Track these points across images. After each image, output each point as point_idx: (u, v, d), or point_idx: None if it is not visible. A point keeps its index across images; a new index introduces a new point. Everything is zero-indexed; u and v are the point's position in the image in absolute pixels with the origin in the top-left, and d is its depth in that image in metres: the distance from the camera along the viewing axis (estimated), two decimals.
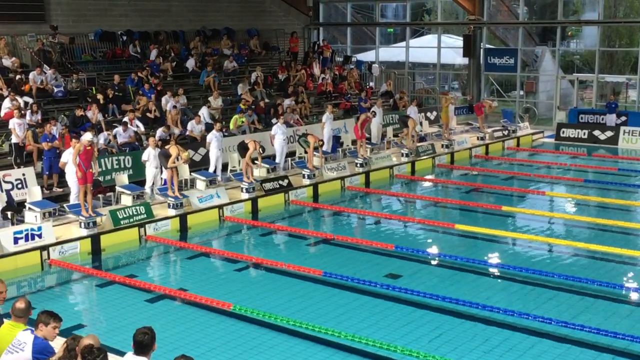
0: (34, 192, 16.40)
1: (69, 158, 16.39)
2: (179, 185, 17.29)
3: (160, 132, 20.34)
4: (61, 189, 17.64)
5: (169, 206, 16.78)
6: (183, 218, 16.69)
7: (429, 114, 29.85)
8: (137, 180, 18.35)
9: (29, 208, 15.67)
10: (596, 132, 27.81)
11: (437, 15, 35.49)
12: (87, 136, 15.56)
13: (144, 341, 6.28)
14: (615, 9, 34.28)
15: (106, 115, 21.45)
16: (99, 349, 6.16)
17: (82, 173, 15.26)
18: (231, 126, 22.56)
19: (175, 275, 14.55)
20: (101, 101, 21.44)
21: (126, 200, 17.16)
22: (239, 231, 17.37)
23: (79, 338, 6.62)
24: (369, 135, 23.31)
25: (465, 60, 33.23)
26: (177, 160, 17.17)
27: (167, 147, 17.53)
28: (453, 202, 19.29)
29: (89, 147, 15.42)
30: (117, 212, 15.73)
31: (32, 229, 14.35)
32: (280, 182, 19.20)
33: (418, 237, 16.65)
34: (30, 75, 21.45)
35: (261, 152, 18.86)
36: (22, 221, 15.53)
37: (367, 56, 36.27)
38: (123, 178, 18.11)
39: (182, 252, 15.42)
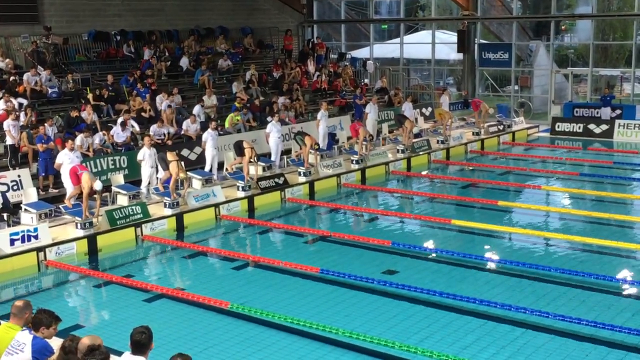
0: (30, 194, 16.37)
1: (63, 159, 16.40)
2: (175, 184, 17.21)
3: (154, 127, 20.32)
4: (57, 190, 17.62)
5: (165, 205, 16.77)
6: (179, 217, 16.68)
7: (424, 109, 29.87)
8: (133, 180, 18.34)
9: (25, 209, 15.65)
10: (591, 126, 27.86)
11: (431, 11, 35.49)
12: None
13: (141, 340, 6.28)
14: (608, 2, 34.34)
15: (101, 115, 21.43)
16: (100, 351, 6.15)
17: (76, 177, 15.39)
18: (226, 124, 22.56)
19: (172, 275, 14.54)
20: (91, 101, 21.38)
21: (122, 200, 17.15)
22: (235, 230, 17.37)
23: (77, 339, 6.60)
24: (372, 134, 23.28)
25: (460, 56, 33.23)
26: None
27: (167, 156, 17.37)
28: (449, 198, 19.33)
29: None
30: (114, 212, 15.72)
31: (28, 230, 14.33)
32: (276, 180, 19.20)
33: (415, 233, 16.67)
34: (25, 77, 21.40)
35: (256, 160, 18.86)
36: (18, 223, 15.50)
37: (361, 53, 36.26)
38: (119, 178, 18.10)
39: (179, 251, 15.42)
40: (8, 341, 6.92)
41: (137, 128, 20.80)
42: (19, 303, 7.24)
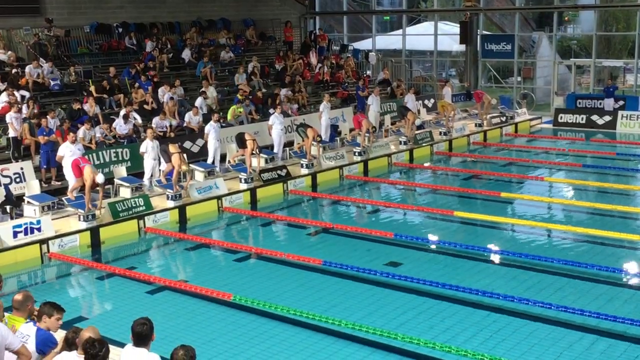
0: (33, 186, 16.39)
1: (65, 152, 16.40)
2: (178, 177, 17.19)
3: (156, 119, 20.33)
4: (59, 182, 17.64)
5: (167, 198, 16.78)
6: (182, 209, 16.69)
7: (426, 101, 29.84)
8: (136, 173, 18.34)
9: (28, 202, 15.67)
10: (594, 117, 27.81)
11: (433, 2, 35.37)
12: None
13: (143, 332, 6.29)
14: None
15: (104, 107, 21.43)
16: (100, 342, 6.18)
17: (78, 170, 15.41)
18: (229, 117, 22.55)
19: (175, 267, 14.56)
20: (94, 94, 21.38)
21: (125, 192, 17.16)
22: (238, 222, 17.38)
23: (80, 331, 6.65)
24: (374, 126, 23.20)
25: (462, 47, 33.15)
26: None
27: (170, 148, 17.36)
28: (452, 189, 19.32)
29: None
30: (116, 205, 15.73)
31: (31, 223, 14.34)
32: (279, 172, 19.20)
33: (417, 225, 16.66)
34: (27, 69, 21.39)
35: (258, 152, 18.83)
36: (21, 215, 15.52)
37: (363, 44, 36.20)
38: (121, 170, 18.11)
39: (182, 243, 15.44)
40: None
41: (139, 120, 20.79)
42: (18, 297, 7.26)
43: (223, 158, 20.11)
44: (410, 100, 25.94)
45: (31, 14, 24.37)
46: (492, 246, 14.48)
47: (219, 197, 17.47)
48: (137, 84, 22.86)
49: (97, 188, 15.47)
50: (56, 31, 24.30)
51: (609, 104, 27.83)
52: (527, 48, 34.65)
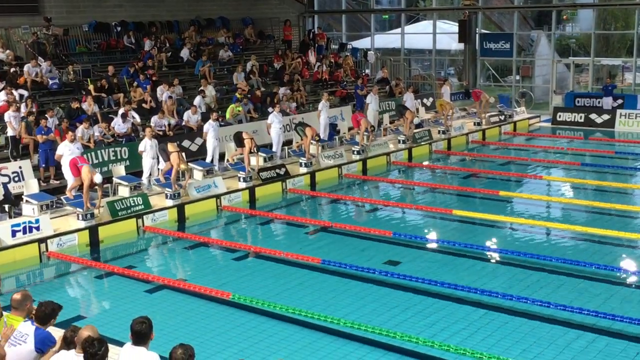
0: (31, 185, 16.38)
1: (64, 151, 16.40)
2: (177, 176, 17.18)
3: (155, 118, 20.32)
4: (58, 181, 17.63)
5: (166, 197, 16.78)
6: (181, 208, 16.69)
7: (425, 100, 29.84)
8: (134, 172, 18.33)
9: (26, 201, 15.65)
10: (593, 116, 27.83)
11: (432, 1, 35.38)
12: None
13: (141, 330, 6.30)
14: None
15: (102, 106, 21.42)
16: (99, 341, 6.18)
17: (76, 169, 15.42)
18: (227, 115, 22.54)
19: (173, 266, 14.56)
20: (92, 93, 21.37)
21: (123, 191, 17.15)
22: (236, 220, 17.38)
23: (78, 329, 6.65)
24: (373, 125, 23.16)
25: (461, 46, 33.16)
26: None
27: (168, 147, 17.35)
28: (450, 188, 19.33)
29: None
30: (115, 204, 15.73)
31: (30, 222, 14.34)
32: (277, 170, 19.20)
33: (416, 224, 16.66)
34: (25, 68, 21.38)
35: (256, 150, 18.82)
36: (19, 214, 15.52)
37: (362, 43, 36.20)
38: (120, 169, 18.11)
39: (181, 242, 15.43)
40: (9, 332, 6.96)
41: (138, 119, 20.78)
42: (17, 296, 7.26)
43: (222, 157, 20.11)
44: (409, 99, 25.93)
45: (30, 13, 24.34)
46: (490, 245, 14.50)
47: (217, 196, 17.48)
48: (135, 83, 22.85)
49: (96, 187, 15.48)
50: (55, 30, 24.29)
51: (607, 102, 27.83)
52: (525, 47, 34.66)
